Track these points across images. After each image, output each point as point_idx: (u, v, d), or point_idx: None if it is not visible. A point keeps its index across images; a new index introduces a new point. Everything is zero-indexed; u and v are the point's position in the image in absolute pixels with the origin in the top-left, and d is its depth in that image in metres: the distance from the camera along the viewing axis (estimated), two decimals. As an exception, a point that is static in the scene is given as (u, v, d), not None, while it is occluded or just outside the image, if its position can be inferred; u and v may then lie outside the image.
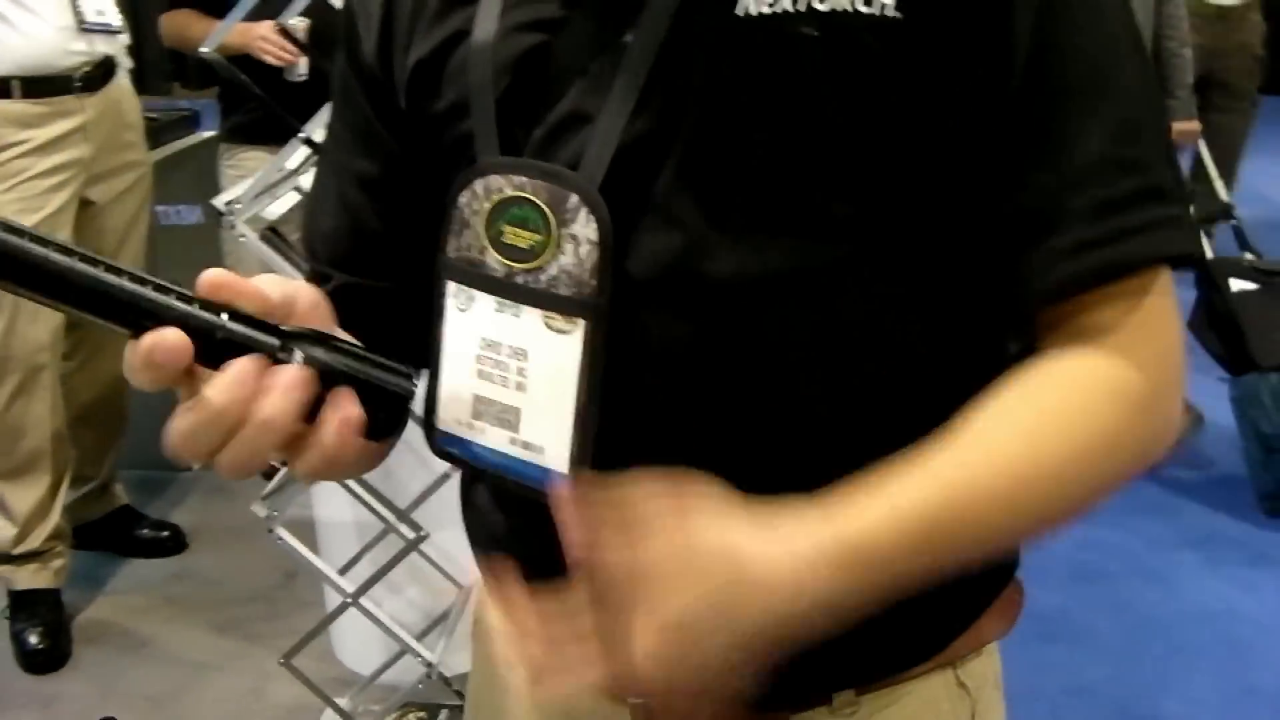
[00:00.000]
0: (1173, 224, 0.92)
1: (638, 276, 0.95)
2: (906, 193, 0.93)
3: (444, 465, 2.77)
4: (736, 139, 0.93)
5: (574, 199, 0.95)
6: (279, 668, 2.64)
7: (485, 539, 1.16)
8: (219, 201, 2.37)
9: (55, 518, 3.45)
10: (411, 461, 2.95)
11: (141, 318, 0.82)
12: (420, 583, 3.02)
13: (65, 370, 3.57)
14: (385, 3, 1.08)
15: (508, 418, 1.00)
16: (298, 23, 3.64)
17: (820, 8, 0.89)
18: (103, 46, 3.42)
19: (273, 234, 2.42)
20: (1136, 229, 0.91)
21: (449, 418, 1.04)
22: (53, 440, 3.41)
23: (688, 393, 0.97)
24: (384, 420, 0.89)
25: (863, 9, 0.89)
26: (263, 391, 0.84)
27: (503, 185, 0.98)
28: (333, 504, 3.04)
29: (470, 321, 1.01)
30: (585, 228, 0.95)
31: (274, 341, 0.86)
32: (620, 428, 0.97)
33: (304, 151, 2.44)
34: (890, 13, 0.88)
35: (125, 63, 3.60)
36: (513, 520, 1.11)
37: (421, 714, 2.96)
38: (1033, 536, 0.94)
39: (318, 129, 2.37)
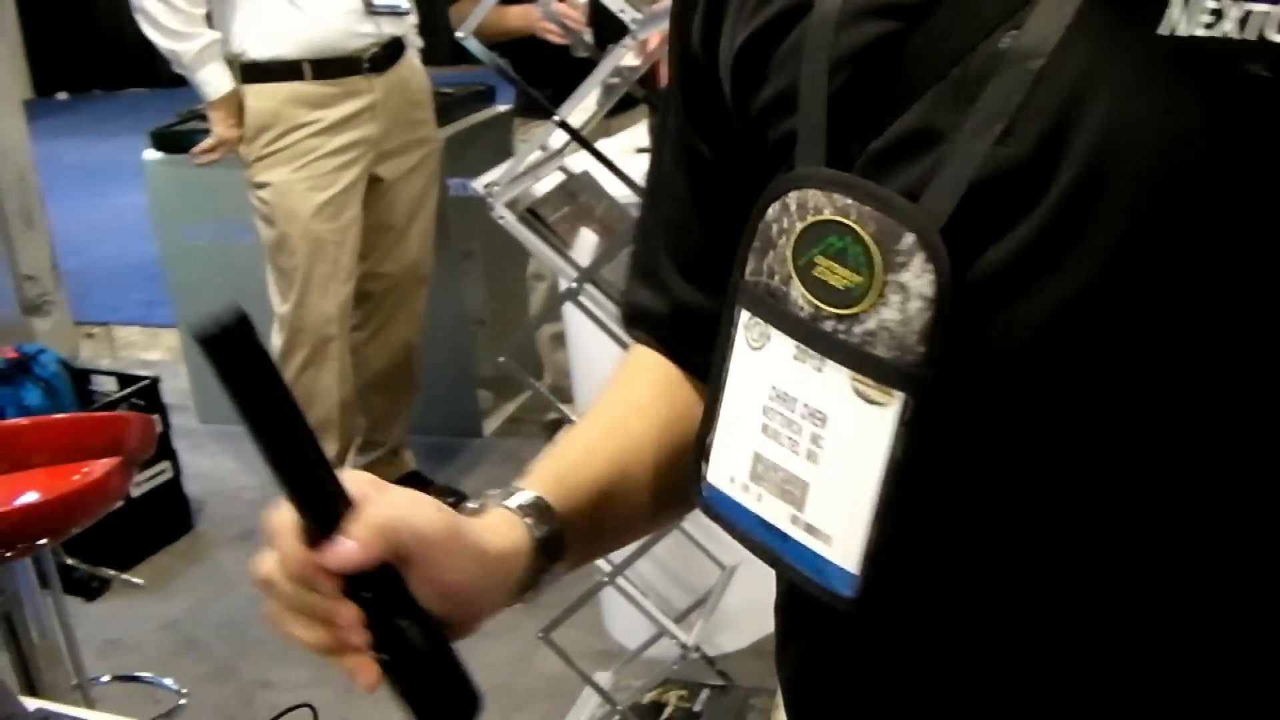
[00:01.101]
0: None
1: (976, 349, 0.76)
2: None
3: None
4: (1140, 194, 0.71)
5: (909, 238, 0.75)
6: (543, 640, 2.67)
7: (781, 625, 0.99)
8: (478, 183, 2.40)
9: (343, 483, 3.57)
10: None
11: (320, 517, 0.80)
12: (686, 563, 3.02)
13: (356, 340, 3.70)
14: None
15: (792, 490, 0.82)
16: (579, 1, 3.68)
17: (1275, 38, 0.67)
18: (390, 28, 3.53)
19: (532, 216, 2.43)
20: None
21: (722, 472, 0.87)
22: (340, 409, 3.54)
23: (1014, 503, 0.78)
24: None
25: None
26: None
27: (822, 204, 0.78)
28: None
29: (762, 363, 0.83)
30: (919, 278, 0.74)
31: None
32: (920, 528, 0.79)
33: (562, 135, 2.45)
34: None
35: (415, 42, 3.70)
36: (809, 617, 0.92)
37: (683, 692, 2.96)
38: None
39: (575, 111, 2.37)
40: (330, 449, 3.52)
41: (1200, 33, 0.68)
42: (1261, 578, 0.77)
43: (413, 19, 3.67)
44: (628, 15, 2.20)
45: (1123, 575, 0.77)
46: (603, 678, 2.84)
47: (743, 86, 0.88)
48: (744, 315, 0.84)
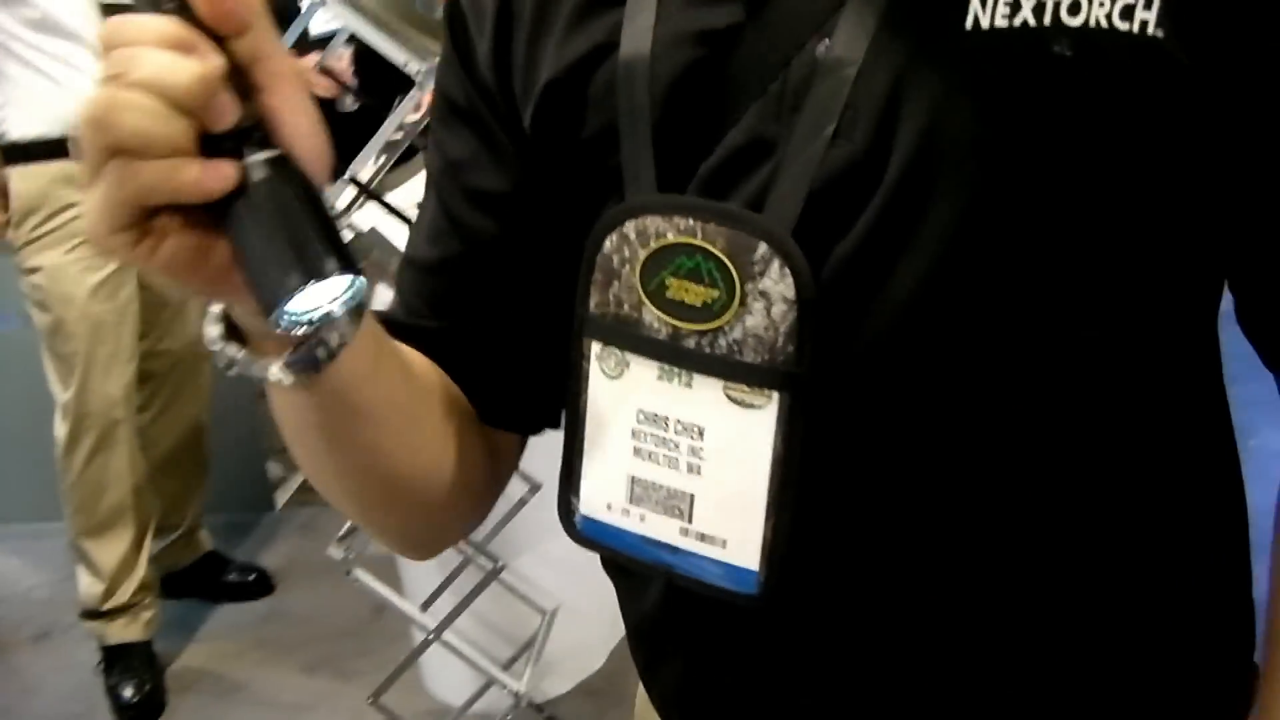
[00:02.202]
0: None
1: (840, 342, 0.79)
2: (1163, 253, 0.78)
3: (518, 492, 2.80)
4: (960, 177, 0.75)
5: (762, 247, 0.77)
6: (371, 705, 2.63)
7: (650, 639, 0.99)
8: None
9: (142, 570, 3.45)
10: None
11: None
12: (504, 611, 3.01)
13: (142, 421, 3.58)
14: (500, 1, 0.90)
15: (677, 504, 0.83)
16: (343, 52, 3.65)
17: (1071, 22, 0.73)
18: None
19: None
20: None
21: (596, 501, 0.87)
22: (134, 494, 3.42)
23: (901, 481, 0.81)
24: (261, 293, 0.66)
25: (1119, 24, 0.73)
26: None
27: (664, 229, 0.80)
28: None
29: (622, 390, 0.83)
30: (778, 283, 0.77)
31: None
32: (818, 518, 0.82)
33: (351, 191, 2.43)
34: (1151, 31, 0.73)
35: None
36: (688, 624, 0.93)
37: (515, 742, 2.94)
38: None
39: (363, 167, 2.36)
40: (126, 536, 3.40)
41: (1002, 24, 0.74)
42: (1112, 549, 0.82)
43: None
44: (413, 68, 2.20)
45: (992, 547, 0.81)
46: (433, 737, 2.80)
47: (551, 126, 0.87)
48: (595, 347, 0.85)
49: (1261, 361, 0.85)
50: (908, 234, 0.77)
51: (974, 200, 0.76)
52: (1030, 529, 0.81)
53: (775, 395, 0.79)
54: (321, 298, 0.67)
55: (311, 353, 0.75)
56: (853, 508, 0.82)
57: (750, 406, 0.80)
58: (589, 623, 3.21)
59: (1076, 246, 0.76)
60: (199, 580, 3.93)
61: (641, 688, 1.05)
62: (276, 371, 0.75)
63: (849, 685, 0.86)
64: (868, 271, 0.78)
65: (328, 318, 0.68)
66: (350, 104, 3.62)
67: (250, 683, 3.53)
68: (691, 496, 0.83)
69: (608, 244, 0.83)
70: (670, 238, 0.80)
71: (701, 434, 0.82)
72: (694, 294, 0.80)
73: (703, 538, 0.84)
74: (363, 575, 2.53)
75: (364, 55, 3.62)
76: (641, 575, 0.93)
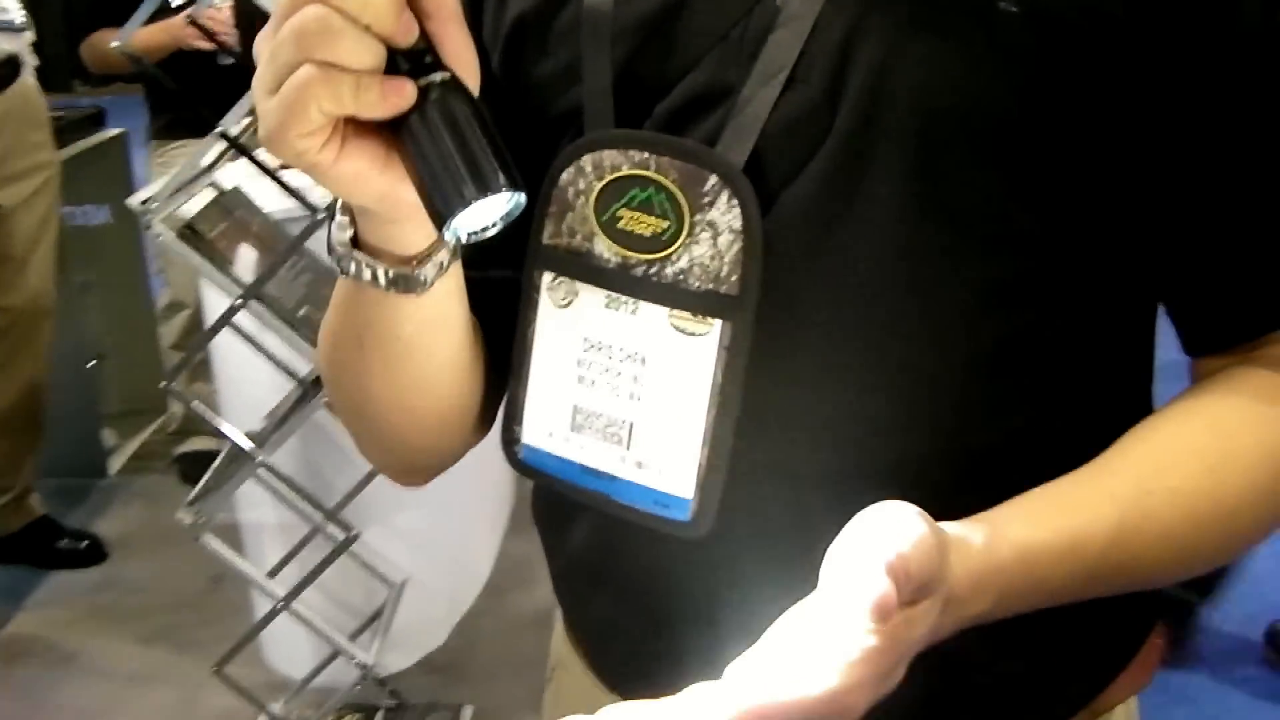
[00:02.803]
0: None
1: (785, 273, 0.82)
2: (1095, 204, 0.81)
3: (369, 463, 2.76)
4: (910, 122, 0.79)
5: (712, 180, 0.81)
6: (210, 676, 2.59)
7: (577, 579, 1.01)
8: (134, 200, 2.30)
9: (-30, 532, 3.35)
10: (337, 459, 2.90)
11: None
12: (350, 582, 2.97)
13: (-24, 379, 3.48)
14: None
15: (617, 432, 0.86)
16: (223, 4, 3.56)
17: None
18: (5, 44, 3.33)
19: (190, 232, 2.35)
20: None
21: (538, 429, 0.90)
22: (-34, 454, 3.32)
23: (833, 413, 0.84)
24: (434, 205, 0.70)
25: None
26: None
27: (619, 162, 0.83)
28: (258, 507, 2.98)
29: (570, 319, 0.86)
30: (726, 214, 0.81)
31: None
32: (747, 446, 0.84)
33: (220, 146, 2.37)
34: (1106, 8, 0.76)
35: (30, 60, 3.50)
36: (618, 558, 0.95)
37: (358, 715, 2.91)
38: (1196, 573, 0.87)
39: (235, 122, 2.30)
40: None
41: None
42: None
43: (29, 35, 3.47)
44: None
45: (916, 478, 0.82)
46: (275, 709, 2.75)
47: (516, 60, 0.90)
48: (547, 277, 0.88)
49: (1181, 348, 0.89)
50: (856, 177, 0.80)
51: (919, 147, 0.79)
52: (952, 465, 0.84)
53: (717, 323, 0.82)
54: (487, 210, 0.70)
55: (436, 261, 0.80)
56: (785, 438, 0.85)
57: (692, 335, 0.83)
58: (434, 598, 3.20)
59: (1014, 193, 0.79)
60: (29, 546, 3.82)
61: (559, 632, 1.07)
62: (411, 275, 0.79)
63: (774, 614, 0.87)
64: (815, 211, 0.81)
65: (488, 229, 0.71)
66: (227, 59, 3.52)
67: (84, 653, 3.44)
68: (631, 424, 0.86)
69: (564, 176, 0.85)
70: (625, 170, 0.83)
71: (644, 361, 0.85)
72: (645, 225, 0.83)
73: (640, 465, 0.86)
74: (213, 542, 2.47)
75: (244, 10, 3.54)
76: (571, 513, 0.96)
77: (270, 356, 2.69)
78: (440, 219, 0.69)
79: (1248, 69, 0.79)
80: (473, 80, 0.71)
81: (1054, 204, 0.80)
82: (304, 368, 2.66)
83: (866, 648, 0.65)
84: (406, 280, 0.80)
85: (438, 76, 0.69)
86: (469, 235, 0.71)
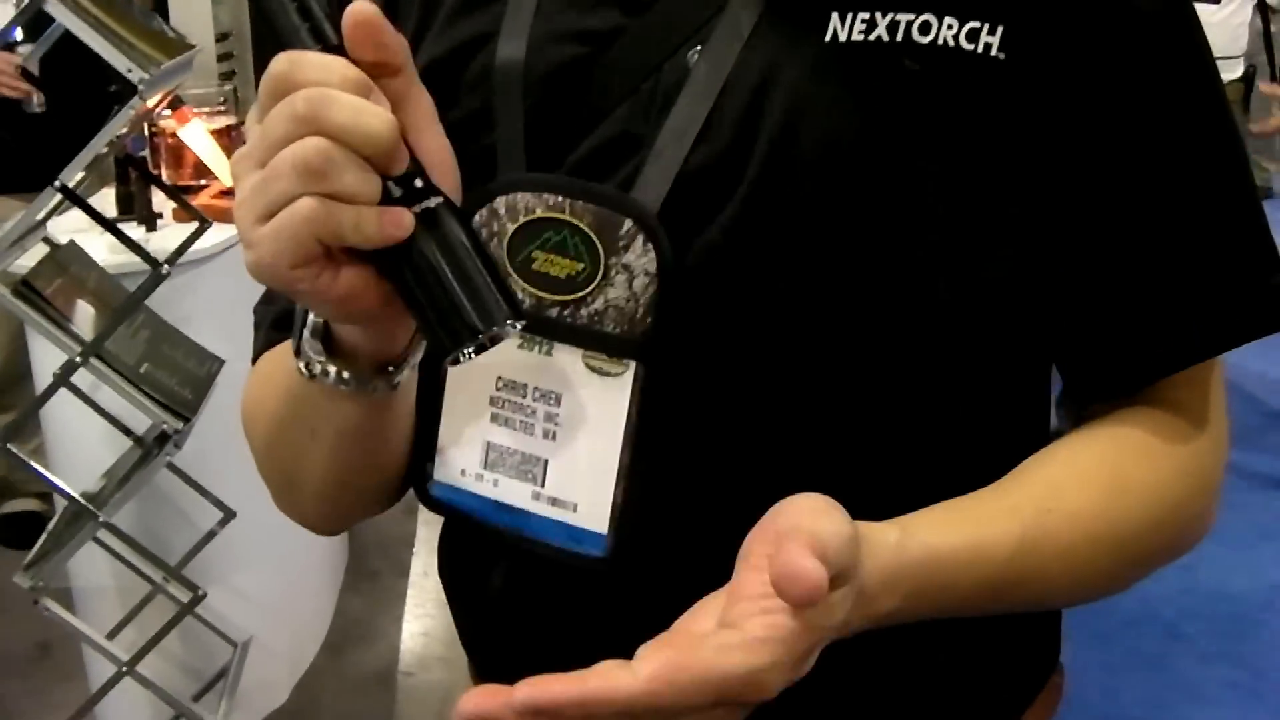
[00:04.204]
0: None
1: (697, 319, 0.84)
2: (993, 254, 0.83)
3: (211, 520, 2.71)
4: (816, 176, 0.81)
5: (628, 223, 0.83)
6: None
7: (490, 626, 1.01)
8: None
9: None
10: (174, 518, 2.85)
11: None
12: (191, 643, 2.90)
13: None
14: None
15: (531, 469, 0.88)
16: (24, 50, 3.45)
17: (920, 40, 0.80)
18: None
19: (27, 289, 2.29)
20: (1241, 305, 0.86)
21: (451, 466, 0.90)
22: None
23: (746, 452, 0.86)
24: (439, 338, 0.69)
25: (965, 45, 0.80)
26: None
27: (533, 205, 0.85)
28: (94, 570, 2.90)
29: (484, 358, 0.81)
30: (641, 257, 0.83)
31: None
32: (662, 483, 0.86)
33: (55, 199, 2.31)
34: (995, 53, 0.80)
35: None
36: (533, 601, 0.95)
37: (202, 780, 2.84)
38: (1085, 600, 0.90)
39: (74, 173, 2.25)
40: None
41: (858, 39, 0.81)
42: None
43: None
44: (135, 76, 2.12)
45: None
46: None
47: None
48: None
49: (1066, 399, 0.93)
50: (765, 227, 0.82)
51: (824, 198, 0.82)
52: (861, 497, 0.83)
53: (632, 365, 0.84)
54: (486, 336, 0.69)
55: (412, 364, 0.81)
56: (699, 475, 0.87)
57: (607, 375, 0.85)
58: (274, 656, 3.14)
59: (920, 243, 0.82)
60: None
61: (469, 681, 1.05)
62: (376, 383, 0.80)
63: None
64: (727, 259, 0.83)
65: (484, 347, 0.69)
66: (37, 106, 3.41)
67: (-99, 723, 3.29)
68: (546, 462, 0.87)
69: (477, 219, 0.86)
70: (539, 212, 0.85)
71: (559, 401, 0.86)
72: (559, 267, 0.85)
73: (554, 502, 0.87)
74: (53, 606, 2.39)
75: (53, 57, 3.45)
76: (484, 560, 0.96)
77: (108, 416, 2.63)
78: (445, 351, 0.68)
79: (1130, 116, 0.83)
80: (456, 189, 0.72)
81: (955, 254, 0.83)
82: (142, 425, 2.61)
83: (787, 627, 0.67)
84: (380, 384, 0.81)
85: (432, 202, 0.68)
86: (468, 355, 0.70)
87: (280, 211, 0.66)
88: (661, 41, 0.85)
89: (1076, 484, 0.86)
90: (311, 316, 0.80)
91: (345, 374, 0.80)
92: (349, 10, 0.67)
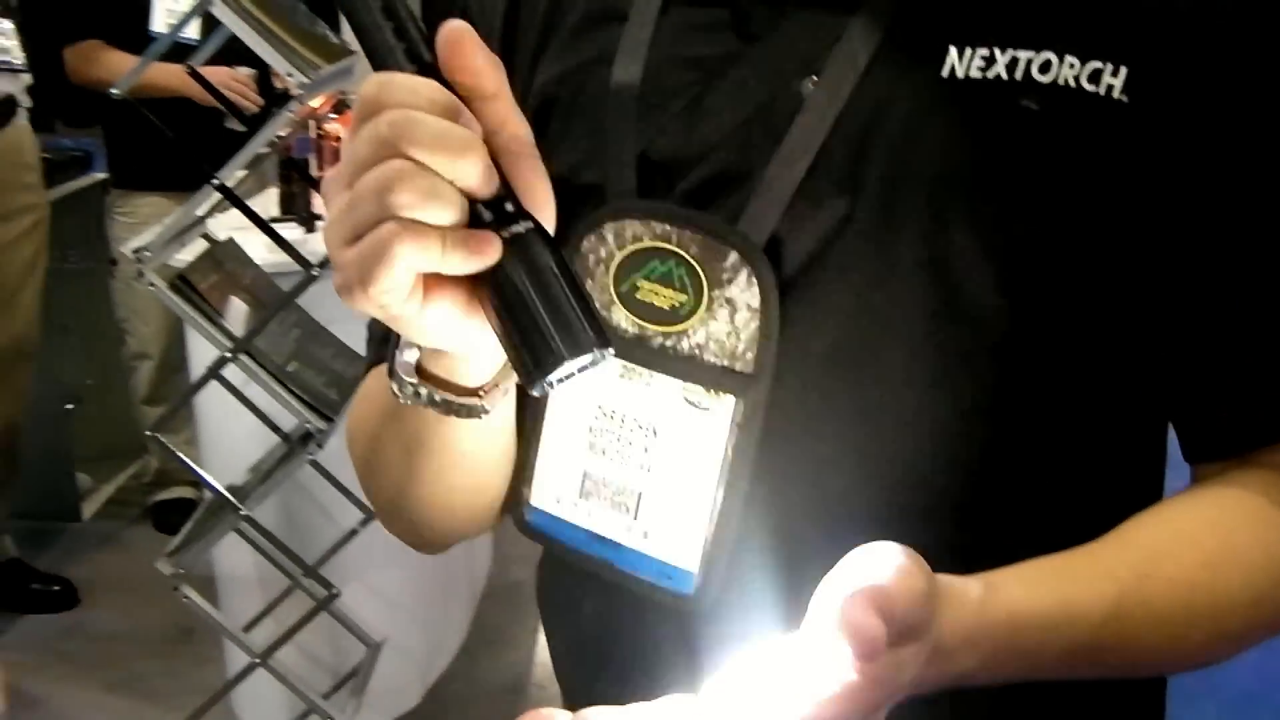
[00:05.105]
0: None
1: (797, 353, 0.82)
2: (1107, 303, 0.81)
3: (352, 519, 2.74)
4: (928, 212, 0.79)
5: (733, 256, 0.82)
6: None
7: (580, 659, 1.00)
8: (127, 248, 2.29)
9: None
10: (317, 515, 2.89)
11: None
12: (325, 640, 2.94)
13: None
14: (509, 5, 0.94)
15: (625, 501, 0.86)
16: (244, 71, 3.54)
17: (1041, 79, 0.78)
18: (4, 85, 3.32)
19: (183, 283, 2.34)
20: None
21: (547, 493, 0.90)
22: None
23: (840, 494, 0.84)
24: (524, 365, 0.67)
25: (1087, 86, 0.77)
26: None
27: (640, 233, 0.84)
28: (235, 559, 2.95)
29: (583, 386, 0.81)
30: (745, 291, 0.82)
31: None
32: (753, 522, 0.85)
33: (214, 197, 2.37)
34: (1117, 95, 0.77)
35: (24, 101, 3.49)
36: (621, 636, 0.94)
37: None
38: (1177, 670, 0.87)
39: (232, 173, 2.30)
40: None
41: (976, 75, 0.79)
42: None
43: (27, 78, 3.46)
44: (295, 79, 2.16)
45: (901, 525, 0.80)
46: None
47: (543, 127, 0.90)
48: None
49: (1181, 455, 0.89)
50: (874, 265, 0.81)
51: (936, 236, 0.79)
52: (961, 550, 0.82)
53: (730, 399, 0.83)
54: (574, 362, 0.67)
55: (503, 389, 0.79)
56: (792, 518, 0.85)
57: (705, 409, 0.83)
58: (408, 659, 3.17)
59: (1029, 286, 0.80)
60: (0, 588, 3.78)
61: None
62: (469, 406, 0.79)
63: None
64: (832, 296, 0.82)
65: (573, 376, 0.68)
66: (237, 124, 3.42)
67: (49, 698, 3.39)
68: (640, 494, 0.86)
69: (585, 244, 0.86)
70: (646, 241, 0.84)
71: (655, 433, 0.85)
72: (663, 297, 0.84)
73: (646, 535, 0.86)
74: (191, 594, 2.44)
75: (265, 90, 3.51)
76: (576, 592, 0.95)
77: (257, 411, 2.68)
78: (531, 378, 0.67)
79: (1255, 168, 0.80)
80: (550, 218, 0.70)
81: (1069, 302, 0.80)
82: (289, 422, 2.65)
83: (847, 684, 0.64)
84: (472, 409, 0.79)
85: (521, 227, 0.67)
86: (555, 384, 0.68)
87: (366, 235, 0.65)
88: (775, 70, 0.84)
89: (1178, 550, 0.82)
90: (404, 338, 0.79)
91: (437, 397, 0.79)
92: (441, 31, 0.66)
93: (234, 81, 3.52)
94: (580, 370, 0.67)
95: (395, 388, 0.79)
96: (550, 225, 0.69)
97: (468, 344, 0.72)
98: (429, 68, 0.67)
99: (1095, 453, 0.87)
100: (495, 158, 0.66)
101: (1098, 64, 0.78)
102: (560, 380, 0.67)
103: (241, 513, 2.39)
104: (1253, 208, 0.80)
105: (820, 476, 0.84)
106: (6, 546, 3.80)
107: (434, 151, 0.63)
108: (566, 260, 0.68)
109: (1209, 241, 0.80)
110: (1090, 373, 0.83)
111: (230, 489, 2.45)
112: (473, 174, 0.64)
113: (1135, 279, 0.81)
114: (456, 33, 0.66)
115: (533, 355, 0.66)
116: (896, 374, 0.82)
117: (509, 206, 0.67)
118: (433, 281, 0.67)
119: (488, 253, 0.65)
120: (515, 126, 0.68)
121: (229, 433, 2.90)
